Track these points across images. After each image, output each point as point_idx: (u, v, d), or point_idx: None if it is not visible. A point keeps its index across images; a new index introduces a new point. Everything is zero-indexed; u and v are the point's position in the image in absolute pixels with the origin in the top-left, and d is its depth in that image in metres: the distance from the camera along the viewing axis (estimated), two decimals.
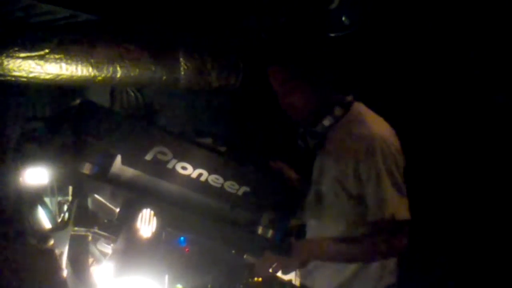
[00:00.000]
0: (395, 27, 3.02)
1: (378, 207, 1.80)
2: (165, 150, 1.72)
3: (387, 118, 1.94)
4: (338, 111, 1.90)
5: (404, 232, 1.81)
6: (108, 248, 1.92)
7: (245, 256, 2.03)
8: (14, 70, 2.42)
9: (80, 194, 1.73)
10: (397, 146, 1.86)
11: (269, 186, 1.94)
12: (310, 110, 1.90)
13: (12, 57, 2.39)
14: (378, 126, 1.87)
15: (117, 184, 1.73)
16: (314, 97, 1.89)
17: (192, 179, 1.78)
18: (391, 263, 1.93)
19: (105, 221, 1.75)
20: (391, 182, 1.79)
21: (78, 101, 1.69)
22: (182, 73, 2.91)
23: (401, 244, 1.82)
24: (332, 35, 2.68)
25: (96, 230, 1.69)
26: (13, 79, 2.45)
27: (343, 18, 2.81)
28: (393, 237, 1.80)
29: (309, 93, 1.88)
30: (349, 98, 1.94)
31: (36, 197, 2.07)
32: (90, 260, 1.92)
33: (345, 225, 1.88)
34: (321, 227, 1.96)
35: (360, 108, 1.94)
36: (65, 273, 1.78)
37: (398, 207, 1.80)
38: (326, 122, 1.90)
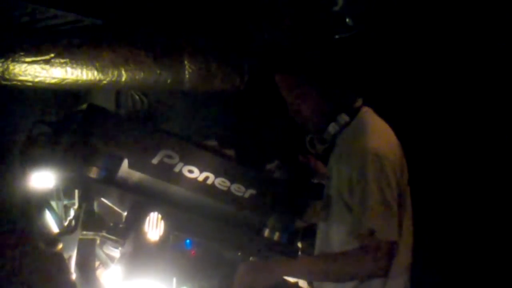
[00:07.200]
0: (400, 27, 3.01)
1: (359, 221, 1.74)
2: (172, 153, 1.72)
3: (392, 121, 1.92)
4: (343, 118, 1.88)
5: (382, 253, 1.70)
6: (114, 252, 1.93)
7: (251, 259, 2.04)
8: (20, 75, 2.43)
9: (87, 198, 1.73)
10: (395, 162, 1.79)
11: (275, 188, 1.94)
12: (317, 117, 1.90)
13: (18, 61, 2.40)
14: (377, 139, 1.81)
15: (124, 188, 1.74)
16: (321, 104, 1.89)
17: (199, 182, 1.78)
18: (398, 279, 1.83)
19: (111, 224, 1.75)
20: (379, 198, 1.72)
21: (85, 105, 1.69)
22: (187, 76, 2.92)
23: (371, 265, 1.71)
24: (337, 37, 2.68)
25: (104, 234, 1.69)
26: (19, 83, 2.46)
27: (347, 20, 2.80)
28: (366, 256, 1.71)
29: (316, 99, 1.88)
30: (358, 103, 1.92)
31: (43, 201, 2.07)
32: (97, 263, 1.92)
33: (345, 234, 1.83)
34: (329, 232, 1.93)
35: (366, 115, 1.91)
36: (74, 277, 1.78)
37: (381, 225, 1.71)
38: (331, 129, 1.89)
